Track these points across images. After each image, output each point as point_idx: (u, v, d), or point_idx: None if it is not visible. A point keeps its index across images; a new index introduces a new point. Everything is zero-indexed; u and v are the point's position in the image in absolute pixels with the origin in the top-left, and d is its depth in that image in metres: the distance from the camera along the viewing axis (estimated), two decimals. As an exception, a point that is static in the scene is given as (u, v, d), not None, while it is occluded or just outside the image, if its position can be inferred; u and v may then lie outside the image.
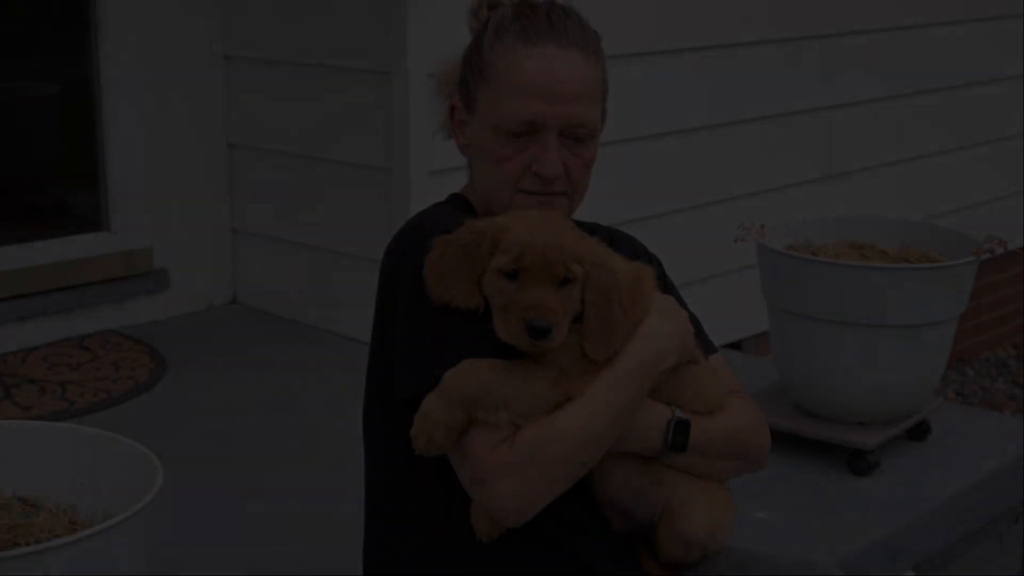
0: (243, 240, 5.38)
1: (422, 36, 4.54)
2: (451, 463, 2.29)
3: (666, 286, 2.59)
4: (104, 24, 4.98)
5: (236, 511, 3.71)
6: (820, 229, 4.39)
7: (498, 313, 2.22)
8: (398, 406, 2.33)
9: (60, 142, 5.56)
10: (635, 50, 5.16)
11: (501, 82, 2.39)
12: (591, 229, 2.51)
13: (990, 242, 4.10)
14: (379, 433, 2.50)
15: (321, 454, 4.05)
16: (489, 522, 2.32)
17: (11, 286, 4.82)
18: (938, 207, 6.61)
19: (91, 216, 5.17)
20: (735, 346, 5.77)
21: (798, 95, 5.87)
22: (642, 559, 2.48)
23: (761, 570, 2.50)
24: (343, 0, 4.77)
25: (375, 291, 2.50)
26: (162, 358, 4.80)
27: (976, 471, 4.14)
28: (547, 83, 2.37)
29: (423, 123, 4.51)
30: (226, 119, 5.28)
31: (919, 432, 4.32)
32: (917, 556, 3.86)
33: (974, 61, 6.77)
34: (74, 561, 2.13)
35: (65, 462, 2.53)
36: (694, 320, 2.55)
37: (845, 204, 5.87)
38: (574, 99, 2.38)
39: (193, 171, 5.26)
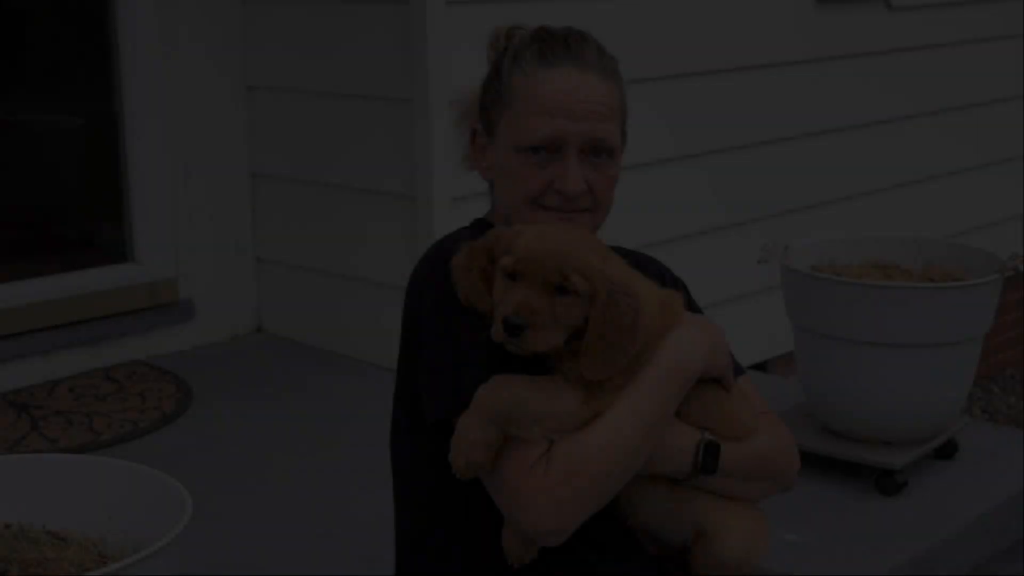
0: (268, 269, 5.38)
1: (442, 64, 4.54)
2: (487, 487, 2.27)
3: (692, 310, 2.58)
4: (127, 56, 5.00)
5: (266, 542, 3.70)
6: (844, 249, 4.37)
7: (496, 313, 2.22)
8: (426, 432, 2.32)
9: (84, 174, 5.57)
10: (654, 74, 5.15)
11: (521, 103, 2.40)
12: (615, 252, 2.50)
13: (1014, 259, 4.08)
14: (407, 460, 2.48)
15: (351, 483, 4.04)
16: (521, 547, 2.30)
17: (37, 319, 4.83)
18: (961, 225, 6.59)
19: (116, 247, 5.18)
20: (760, 367, 5.75)
21: (820, 115, 5.85)
22: (675, 583, 2.47)
23: (792, 593, 2.49)
24: (364, 29, 4.78)
25: (400, 318, 2.49)
26: (188, 388, 4.79)
27: (1005, 489, 4.11)
28: (567, 101, 2.37)
29: (445, 150, 4.51)
30: (249, 148, 5.29)
31: (947, 451, 4.28)
32: (948, 576, 3.84)
33: (998, 79, 6.74)
34: (104, 594, 2.11)
35: (93, 494, 2.52)
36: (721, 342, 2.54)
37: (868, 223, 5.85)
38: (595, 117, 2.39)
39: (217, 200, 5.26)
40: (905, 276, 4.22)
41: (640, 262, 2.60)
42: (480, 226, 2.55)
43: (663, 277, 2.61)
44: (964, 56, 6.54)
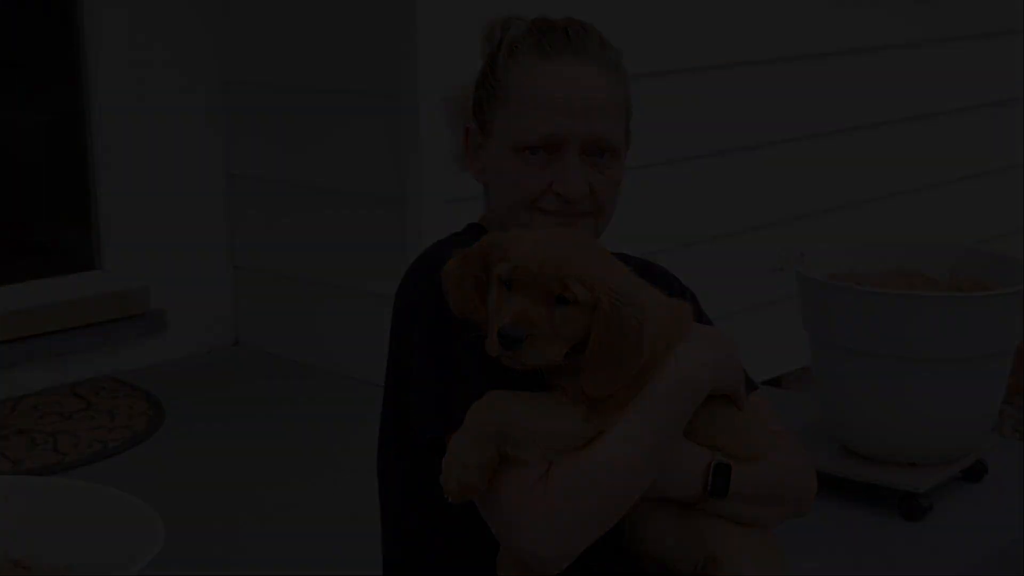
0: (246, 277, 5.39)
1: (433, 58, 4.55)
2: (481, 511, 2.27)
3: (701, 321, 2.58)
4: (96, 53, 5.00)
5: (243, 568, 3.70)
6: (864, 256, 4.38)
7: (491, 324, 2.22)
8: (417, 452, 2.32)
9: (49, 175, 5.57)
10: (665, 68, 5.16)
11: (518, 99, 2.40)
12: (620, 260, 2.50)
13: (1047, 267, 4.09)
14: (395, 483, 2.49)
15: (335, 508, 4.04)
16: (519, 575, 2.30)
17: (-2, 330, 4.84)
18: (990, 229, 6.59)
19: (83, 254, 5.18)
20: (774, 382, 5.75)
21: (840, 111, 5.86)
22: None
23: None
24: (349, 21, 4.79)
25: (388, 329, 2.49)
26: (160, 405, 4.80)
27: (1038, 513, 4.12)
28: (566, 96, 2.38)
29: (437, 149, 4.52)
30: (226, 149, 5.29)
31: (975, 472, 4.29)
32: (976, 606, 3.84)
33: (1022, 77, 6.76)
34: (70, 626, 2.12)
35: (59, 519, 2.52)
36: (732, 356, 2.54)
37: (891, 228, 5.86)
38: (596, 113, 2.39)
39: (191, 204, 5.26)
40: (930, 285, 4.23)
41: (646, 270, 2.60)
42: (474, 231, 2.55)
43: (670, 286, 2.62)
44: (998, 49, 6.55)
